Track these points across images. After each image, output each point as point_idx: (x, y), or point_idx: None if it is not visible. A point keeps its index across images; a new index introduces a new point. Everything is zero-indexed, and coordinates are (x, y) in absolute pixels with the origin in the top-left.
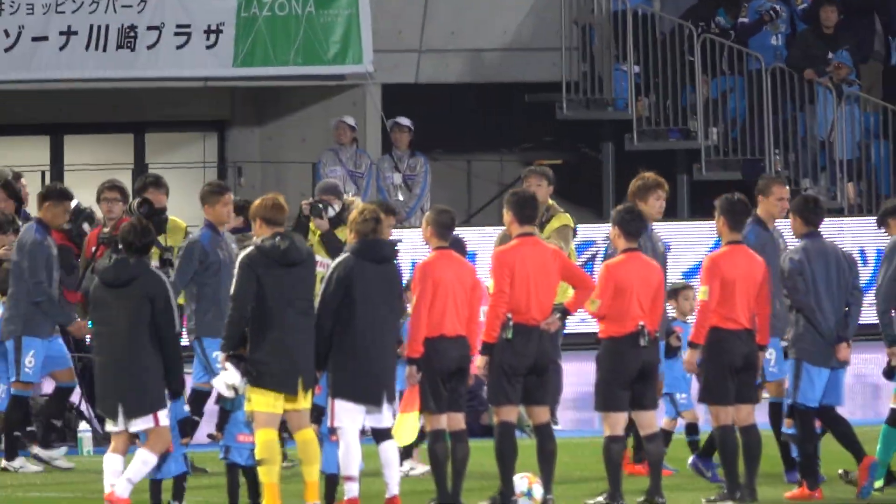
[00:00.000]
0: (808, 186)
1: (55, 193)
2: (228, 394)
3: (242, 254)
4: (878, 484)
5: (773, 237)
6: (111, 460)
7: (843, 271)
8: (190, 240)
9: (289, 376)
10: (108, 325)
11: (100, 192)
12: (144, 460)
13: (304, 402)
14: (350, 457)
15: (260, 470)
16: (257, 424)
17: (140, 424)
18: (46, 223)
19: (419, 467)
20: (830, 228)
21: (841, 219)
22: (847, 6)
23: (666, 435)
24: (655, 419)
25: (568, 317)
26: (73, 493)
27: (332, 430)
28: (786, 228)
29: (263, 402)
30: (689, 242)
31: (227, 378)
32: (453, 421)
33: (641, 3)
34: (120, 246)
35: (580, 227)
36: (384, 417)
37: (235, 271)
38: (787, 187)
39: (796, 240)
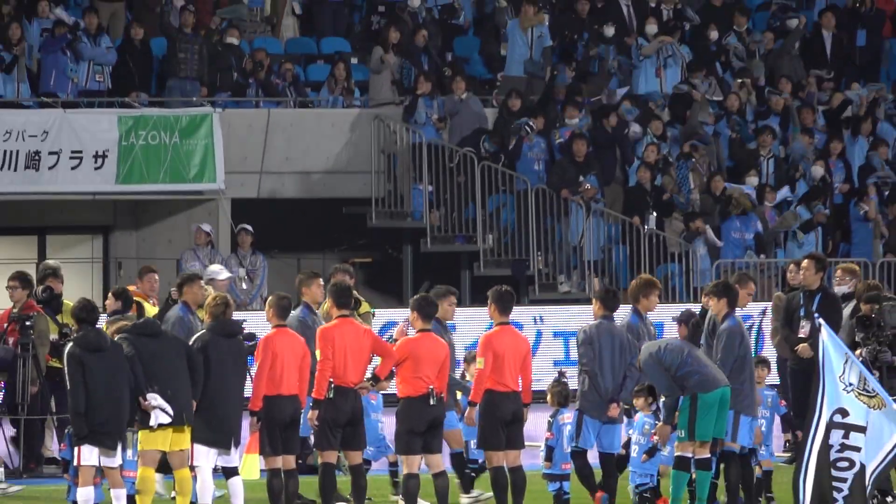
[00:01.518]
0: (563, 281)
1: (188, 278)
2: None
3: (120, 335)
4: None
5: (739, 321)
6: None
7: (624, 349)
8: (293, 317)
9: (180, 417)
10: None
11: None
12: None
13: (186, 444)
14: (205, 488)
15: (137, 498)
16: (143, 461)
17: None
18: (188, 302)
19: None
20: (583, 314)
21: (589, 306)
22: (595, 140)
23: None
24: (441, 460)
25: (378, 382)
26: None
27: (192, 468)
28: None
29: (154, 442)
30: (471, 324)
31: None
32: (286, 461)
33: (434, 137)
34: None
35: (385, 311)
36: (232, 458)
37: (123, 345)
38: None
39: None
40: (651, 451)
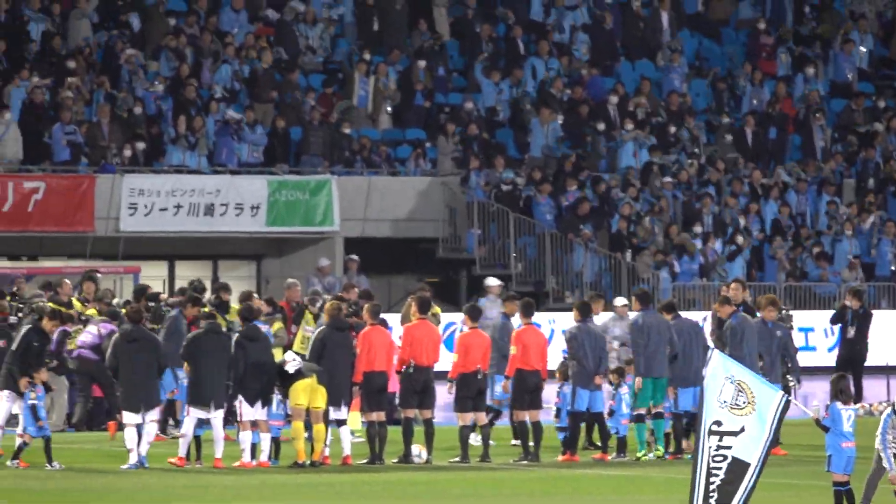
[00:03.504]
0: (569, 295)
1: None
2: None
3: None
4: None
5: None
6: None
7: (599, 340)
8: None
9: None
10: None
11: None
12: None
13: (321, 404)
14: (322, 435)
15: (293, 443)
16: (294, 416)
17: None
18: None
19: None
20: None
21: None
22: (590, 200)
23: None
24: (484, 416)
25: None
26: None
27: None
28: None
29: (296, 397)
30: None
31: (297, 359)
32: (380, 416)
33: (482, 197)
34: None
35: (447, 314)
36: (343, 413)
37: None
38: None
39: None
40: (611, 412)
